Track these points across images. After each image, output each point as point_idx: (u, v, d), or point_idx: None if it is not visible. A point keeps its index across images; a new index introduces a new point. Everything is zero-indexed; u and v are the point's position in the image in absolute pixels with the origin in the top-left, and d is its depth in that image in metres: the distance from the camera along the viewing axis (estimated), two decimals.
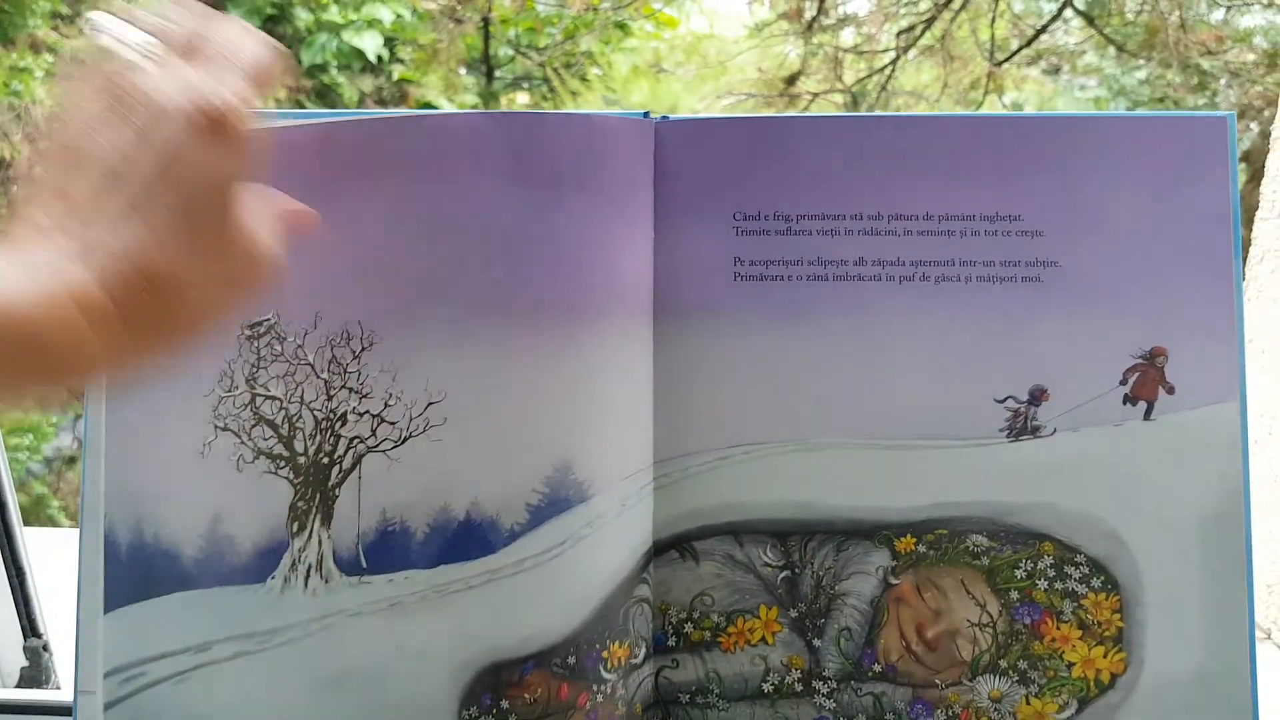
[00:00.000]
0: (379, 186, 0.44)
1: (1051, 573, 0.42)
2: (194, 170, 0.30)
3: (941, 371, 0.43)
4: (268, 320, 0.44)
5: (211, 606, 0.42)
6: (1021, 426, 0.42)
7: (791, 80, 2.57)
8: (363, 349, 0.43)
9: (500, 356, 0.42)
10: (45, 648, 0.59)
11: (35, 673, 0.58)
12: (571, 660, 0.42)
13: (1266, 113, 2.50)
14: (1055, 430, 0.42)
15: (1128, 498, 0.42)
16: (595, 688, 0.42)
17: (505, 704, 0.41)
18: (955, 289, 0.43)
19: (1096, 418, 0.42)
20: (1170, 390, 0.42)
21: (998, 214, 0.43)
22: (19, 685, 0.58)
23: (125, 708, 0.42)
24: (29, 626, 0.58)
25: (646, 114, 0.45)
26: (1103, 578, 0.42)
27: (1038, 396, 0.42)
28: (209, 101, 0.31)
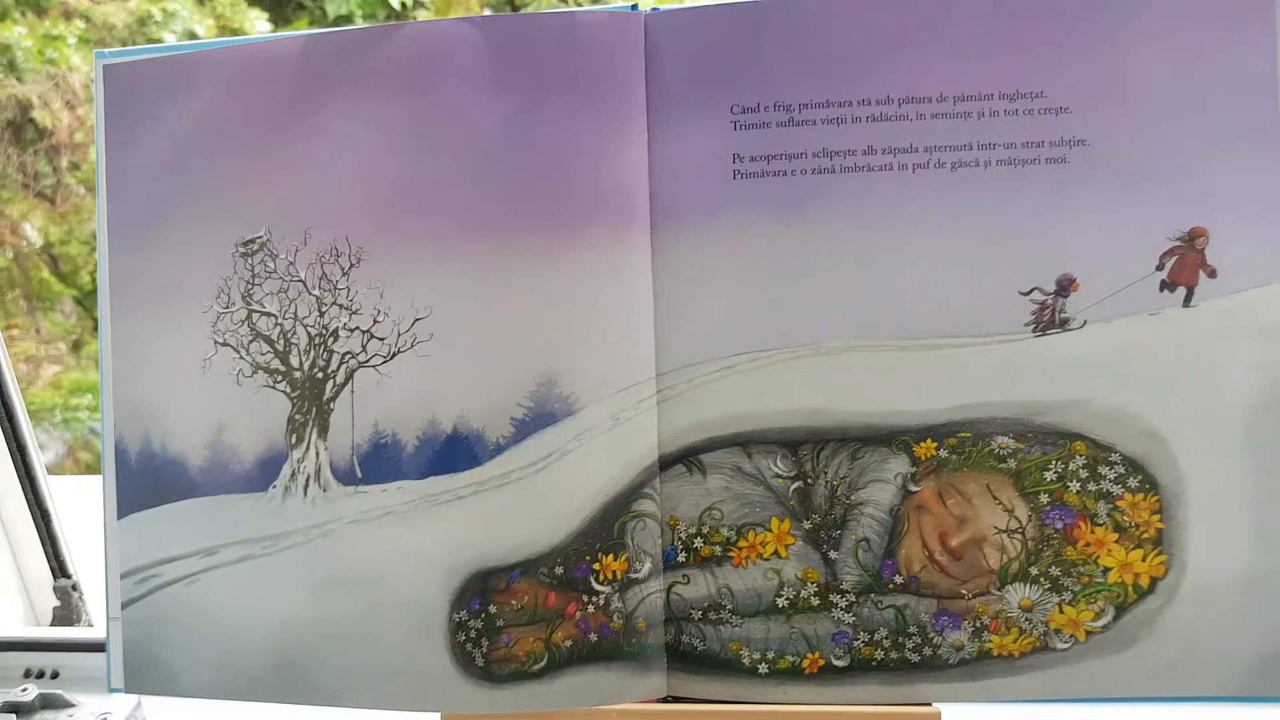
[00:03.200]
0: (361, 99, 0.42)
1: (1084, 474, 0.40)
2: None
3: (960, 264, 0.40)
4: (260, 237, 0.43)
5: (218, 513, 0.43)
6: (1049, 319, 0.39)
7: None
8: (351, 265, 0.42)
9: (485, 271, 0.41)
10: (75, 588, 0.60)
11: (66, 611, 0.59)
12: (559, 570, 0.41)
13: None
14: (1086, 322, 0.39)
15: (1166, 391, 0.39)
16: (585, 599, 0.41)
17: (493, 609, 0.41)
18: (974, 175, 0.40)
19: (1130, 307, 0.39)
20: (1212, 274, 0.39)
21: (1018, 91, 0.40)
22: (52, 624, 0.59)
23: (141, 607, 0.44)
24: (58, 568, 0.59)
25: (634, 6, 0.42)
26: (1140, 477, 0.39)
27: (1066, 287, 0.39)
28: None
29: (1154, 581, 0.39)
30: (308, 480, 0.42)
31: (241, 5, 3.46)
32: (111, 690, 0.45)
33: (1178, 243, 0.39)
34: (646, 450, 0.41)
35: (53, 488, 0.60)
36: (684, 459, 0.41)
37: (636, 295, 0.41)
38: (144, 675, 0.44)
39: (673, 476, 0.41)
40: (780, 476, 0.41)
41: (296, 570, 0.42)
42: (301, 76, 0.43)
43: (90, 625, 0.60)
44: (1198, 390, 0.39)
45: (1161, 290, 0.39)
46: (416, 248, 0.42)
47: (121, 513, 0.44)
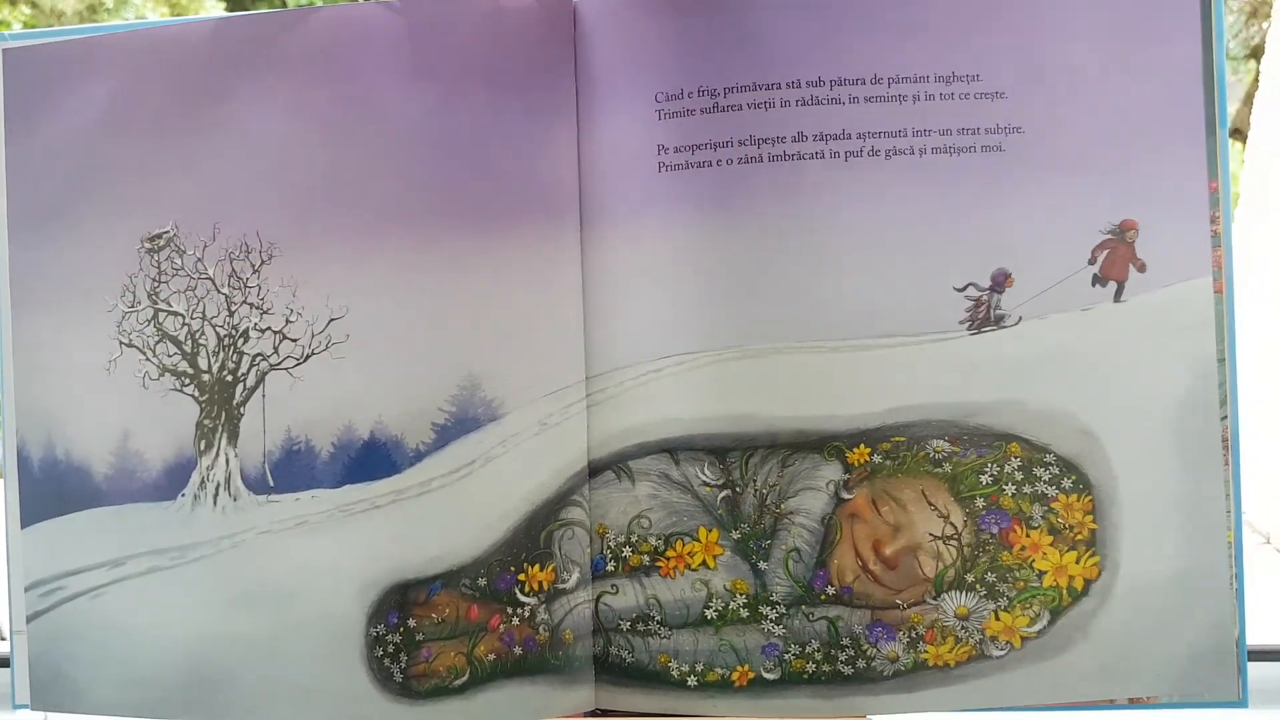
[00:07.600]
0: (274, 87, 0.40)
1: (1019, 476, 0.39)
2: None
3: (893, 259, 0.38)
4: (166, 232, 0.41)
5: (124, 523, 0.41)
6: (984, 316, 0.38)
7: None
8: (262, 262, 0.40)
9: (404, 269, 0.39)
10: None
11: None
12: (482, 582, 0.39)
13: None
14: (1021, 319, 0.38)
15: (1099, 389, 0.38)
16: (510, 610, 0.40)
17: (412, 622, 0.40)
18: (909, 163, 0.38)
19: (1064, 302, 0.38)
20: (1141, 268, 0.38)
21: (954, 74, 0.38)
22: None
23: (45, 620, 0.42)
24: None
25: None
26: (1074, 478, 0.38)
27: (1001, 282, 0.38)
28: None
29: (1088, 584, 0.39)
30: (217, 489, 0.40)
31: None
32: (17, 707, 0.43)
33: (1109, 236, 0.38)
34: (575, 456, 0.40)
35: None
36: (613, 465, 0.40)
37: (565, 295, 0.40)
38: (51, 691, 0.42)
39: (601, 484, 0.40)
40: (708, 485, 0.39)
41: (206, 583, 0.40)
42: (210, 63, 0.41)
43: (2, 638, 0.57)
44: (1129, 387, 0.38)
45: (1094, 285, 0.38)
46: (332, 244, 0.40)
47: (25, 522, 0.42)
